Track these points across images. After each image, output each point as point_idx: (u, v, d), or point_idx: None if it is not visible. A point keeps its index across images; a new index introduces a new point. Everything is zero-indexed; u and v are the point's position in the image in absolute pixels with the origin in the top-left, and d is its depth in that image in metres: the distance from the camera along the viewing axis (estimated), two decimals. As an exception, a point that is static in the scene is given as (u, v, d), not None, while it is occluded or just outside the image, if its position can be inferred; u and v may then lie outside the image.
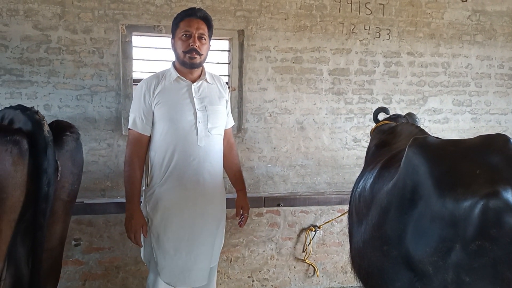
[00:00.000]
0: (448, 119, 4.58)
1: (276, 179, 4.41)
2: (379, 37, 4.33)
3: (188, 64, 2.22)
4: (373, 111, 3.05)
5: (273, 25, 4.08)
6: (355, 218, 2.02)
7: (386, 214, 1.66)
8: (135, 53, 3.89)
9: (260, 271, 3.35)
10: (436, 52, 4.46)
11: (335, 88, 4.35)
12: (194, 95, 2.24)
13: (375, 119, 2.98)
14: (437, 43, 4.45)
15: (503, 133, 1.55)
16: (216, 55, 4.19)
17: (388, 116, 2.98)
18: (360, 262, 1.93)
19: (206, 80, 2.31)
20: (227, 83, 4.24)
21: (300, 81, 4.26)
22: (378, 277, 1.75)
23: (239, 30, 4.07)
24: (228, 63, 4.22)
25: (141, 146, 2.25)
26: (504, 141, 1.44)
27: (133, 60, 3.89)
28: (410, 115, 2.90)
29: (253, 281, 3.34)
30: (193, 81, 2.27)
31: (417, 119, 2.87)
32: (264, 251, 3.35)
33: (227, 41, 4.18)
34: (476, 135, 1.60)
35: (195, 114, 2.21)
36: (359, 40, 4.29)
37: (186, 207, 2.23)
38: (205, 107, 2.24)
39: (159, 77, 2.27)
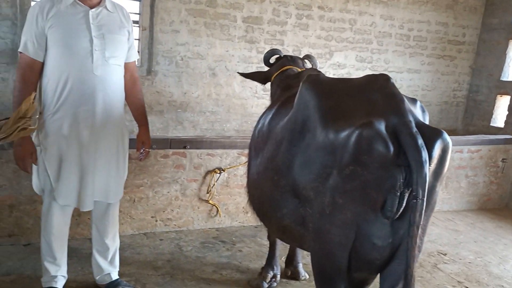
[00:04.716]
0: (351, 74, 4.86)
1: (186, 124, 4.41)
2: (292, -12, 4.39)
3: None
4: (265, 53, 2.88)
5: (187, -36, 3.94)
6: (253, 153, 2.13)
7: (279, 147, 1.78)
8: (33, -22, 3.54)
9: (163, 211, 3.40)
10: (345, 9, 4.65)
11: (248, 36, 4.37)
12: (91, 21, 2.13)
13: (267, 63, 2.87)
14: (346, 0, 4.63)
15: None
16: (126, -10, 3.97)
17: (279, 56, 2.82)
18: (254, 192, 2.06)
19: (106, 7, 2.20)
20: (137, 21, 4.06)
21: (214, 26, 4.21)
22: (268, 205, 1.89)
23: (151, -34, 3.87)
24: (139, 1, 4.02)
25: (32, 71, 2.14)
26: (384, 80, 1.60)
27: (31, -14, 3.55)
28: (309, 56, 2.93)
29: (156, 220, 3.39)
30: (92, 7, 2.16)
31: (316, 61, 2.91)
32: (168, 192, 3.38)
33: (138, -24, 3.97)
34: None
35: (91, 41, 2.12)
36: (273, -11, 4.32)
37: (80, 135, 2.18)
38: (103, 35, 2.16)
39: (54, 0, 2.13)
